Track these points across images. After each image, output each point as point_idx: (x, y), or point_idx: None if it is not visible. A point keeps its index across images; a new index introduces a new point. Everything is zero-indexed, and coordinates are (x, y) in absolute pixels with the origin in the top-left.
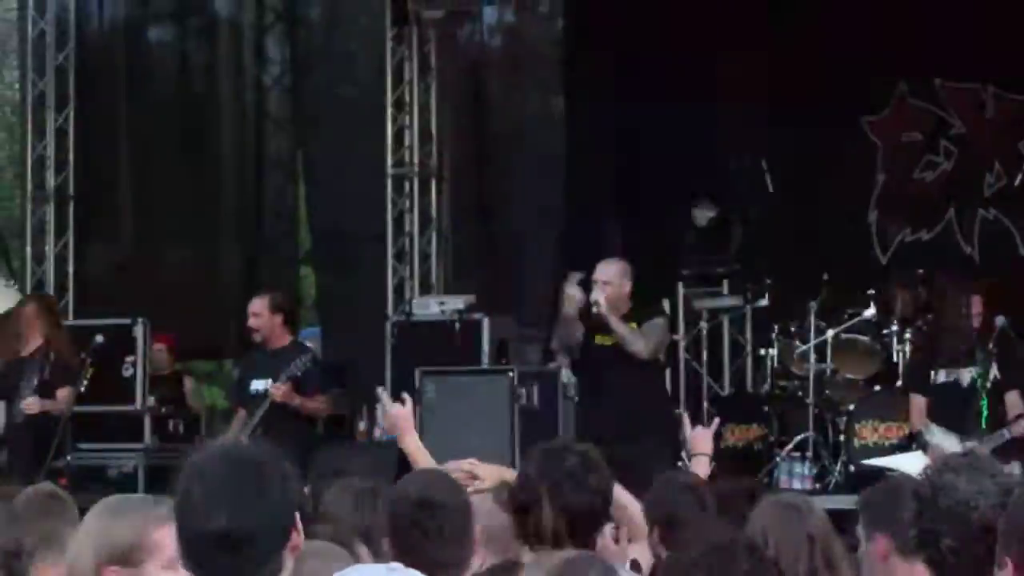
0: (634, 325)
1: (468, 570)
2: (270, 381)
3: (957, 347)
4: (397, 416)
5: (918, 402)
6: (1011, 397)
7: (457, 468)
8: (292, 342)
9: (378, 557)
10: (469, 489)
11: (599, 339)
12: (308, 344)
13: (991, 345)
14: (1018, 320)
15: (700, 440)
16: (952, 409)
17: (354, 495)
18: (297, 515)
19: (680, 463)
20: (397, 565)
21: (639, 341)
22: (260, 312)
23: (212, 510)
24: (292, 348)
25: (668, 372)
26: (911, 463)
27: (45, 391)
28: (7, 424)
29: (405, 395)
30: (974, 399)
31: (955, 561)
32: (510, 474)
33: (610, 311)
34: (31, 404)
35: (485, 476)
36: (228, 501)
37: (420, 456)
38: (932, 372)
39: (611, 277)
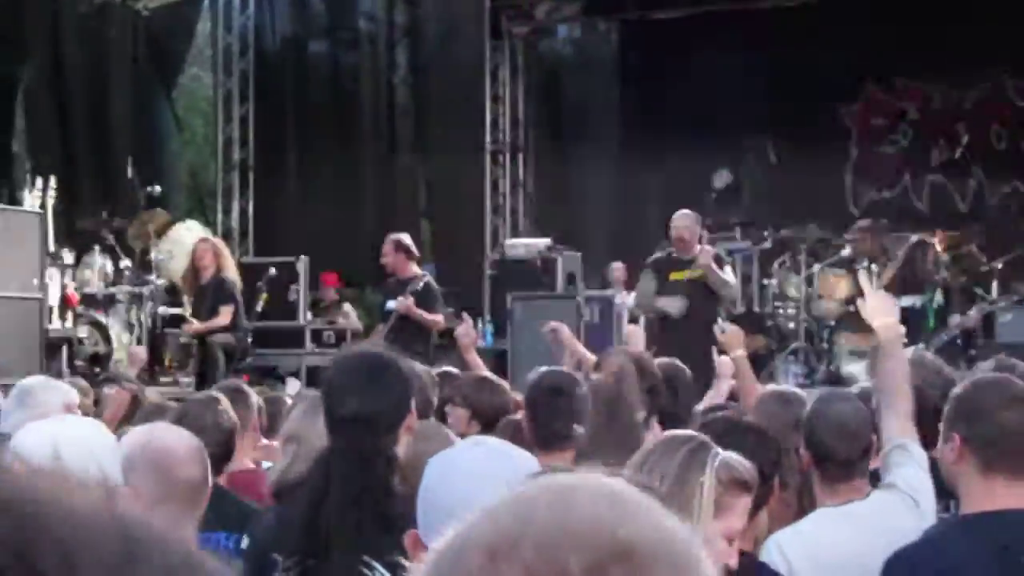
0: (700, 271)
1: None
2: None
3: (917, 279)
4: (460, 339)
5: None
6: (953, 319)
7: (554, 327)
8: (415, 273)
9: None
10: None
11: (674, 276)
12: (427, 274)
13: (936, 278)
14: (956, 258)
15: (725, 366)
16: (910, 324)
17: (477, 382)
18: (412, 402)
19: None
20: (482, 438)
21: (729, 286)
22: (388, 251)
23: (346, 397)
24: (414, 277)
25: None
26: None
27: (214, 311)
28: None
29: (468, 322)
30: (924, 316)
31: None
32: (581, 352)
33: (708, 268)
34: (190, 328)
35: (567, 343)
36: (358, 391)
37: (476, 364)
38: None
39: (689, 224)
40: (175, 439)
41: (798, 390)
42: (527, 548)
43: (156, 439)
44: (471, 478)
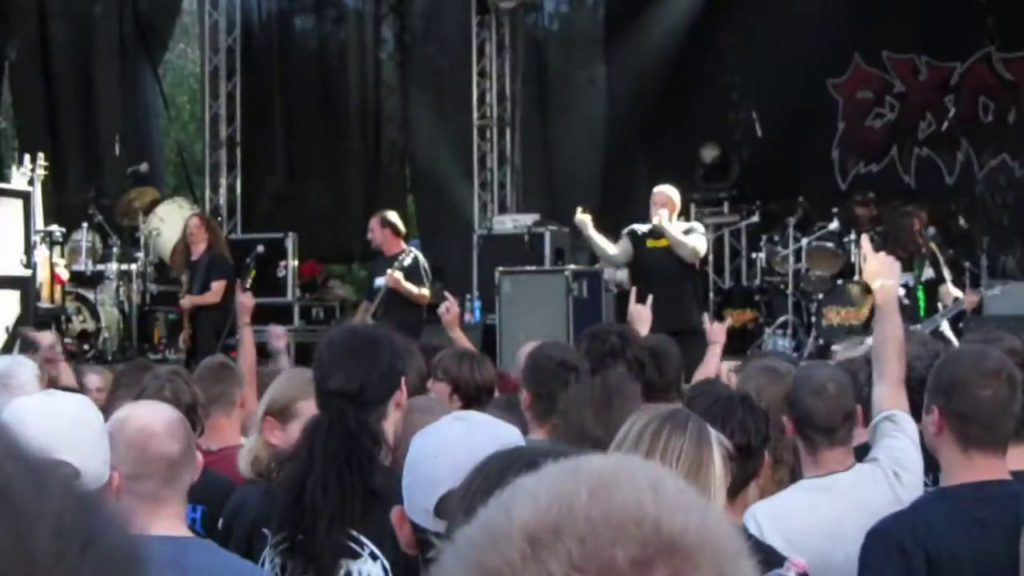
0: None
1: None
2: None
3: (903, 256)
4: (443, 317)
5: None
6: (943, 289)
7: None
8: (402, 249)
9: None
10: None
11: (651, 243)
12: (414, 250)
13: (924, 250)
14: (943, 231)
15: (717, 332)
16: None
17: (458, 357)
18: (403, 378)
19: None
20: (464, 413)
21: (686, 247)
22: (374, 227)
23: (334, 372)
24: (401, 252)
25: None
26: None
27: (206, 287)
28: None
29: (450, 299)
30: (914, 294)
31: None
32: None
33: (667, 221)
34: (184, 303)
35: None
36: (345, 366)
37: (462, 341)
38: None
39: (665, 190)
40: (152, 415)
41: (787, 363)
42: (571, 539)
43: (133, 416)
44: (454, 453)
